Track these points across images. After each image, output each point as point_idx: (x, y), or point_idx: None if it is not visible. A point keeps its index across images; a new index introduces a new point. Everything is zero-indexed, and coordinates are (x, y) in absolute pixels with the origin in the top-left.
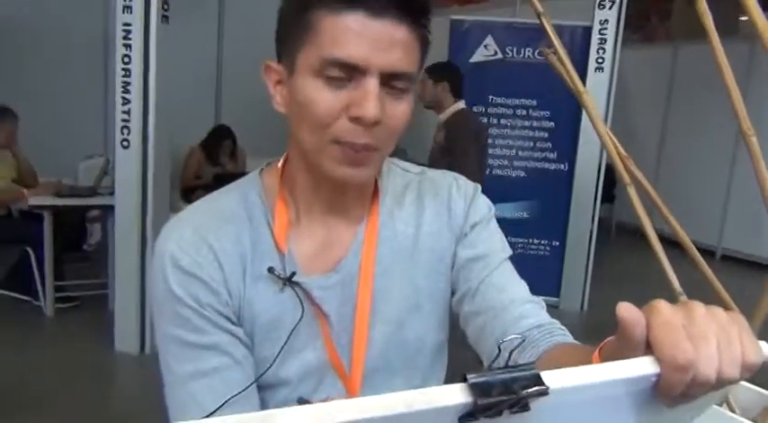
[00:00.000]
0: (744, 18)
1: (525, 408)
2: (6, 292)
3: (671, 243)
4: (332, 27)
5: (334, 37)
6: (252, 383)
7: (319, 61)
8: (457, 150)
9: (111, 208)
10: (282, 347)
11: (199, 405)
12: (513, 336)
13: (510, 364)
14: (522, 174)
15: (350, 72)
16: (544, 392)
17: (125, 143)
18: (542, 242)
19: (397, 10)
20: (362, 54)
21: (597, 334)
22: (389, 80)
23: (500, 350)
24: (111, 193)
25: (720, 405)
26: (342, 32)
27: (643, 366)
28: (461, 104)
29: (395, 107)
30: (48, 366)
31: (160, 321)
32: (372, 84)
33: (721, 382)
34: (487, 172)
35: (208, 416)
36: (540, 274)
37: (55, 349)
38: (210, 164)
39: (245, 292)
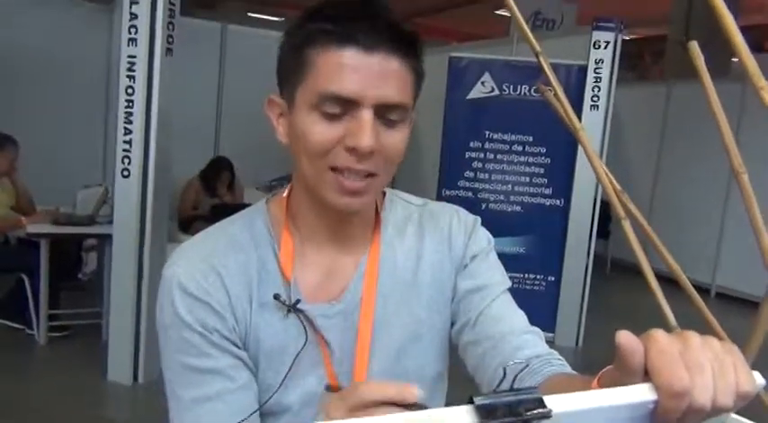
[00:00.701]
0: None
1: None
2: (0, 320)
3: (666, 280)
4: (327, 63)
5: (329, 72)
6: (256, 410)
7: (316, 96)
8: None
9: (108, 237)
10: (287, 374)
11: None
12: (518, 360)
13: (514, 387)
14: (518, 209)
15: (345, 105)
16: (547, 415)
17: (125, 173)
18: (538, 277)
19: (389, 45)
20: (356, 88)
21: (592, 369)
22: (384, 111)
23: (505, 374)
24: (109, 222)
25: None
26: (336, 68)
27: (641, 393)
28: None
29: (390, 137)
30: (39, 395)
31: (166, 348)
32: (367, 115)
33: (716, 410)
34: (483, 207)
35: None
36: (536, 309)
37: (47, 378)
38: (208, 195)
39: (251, 319)
